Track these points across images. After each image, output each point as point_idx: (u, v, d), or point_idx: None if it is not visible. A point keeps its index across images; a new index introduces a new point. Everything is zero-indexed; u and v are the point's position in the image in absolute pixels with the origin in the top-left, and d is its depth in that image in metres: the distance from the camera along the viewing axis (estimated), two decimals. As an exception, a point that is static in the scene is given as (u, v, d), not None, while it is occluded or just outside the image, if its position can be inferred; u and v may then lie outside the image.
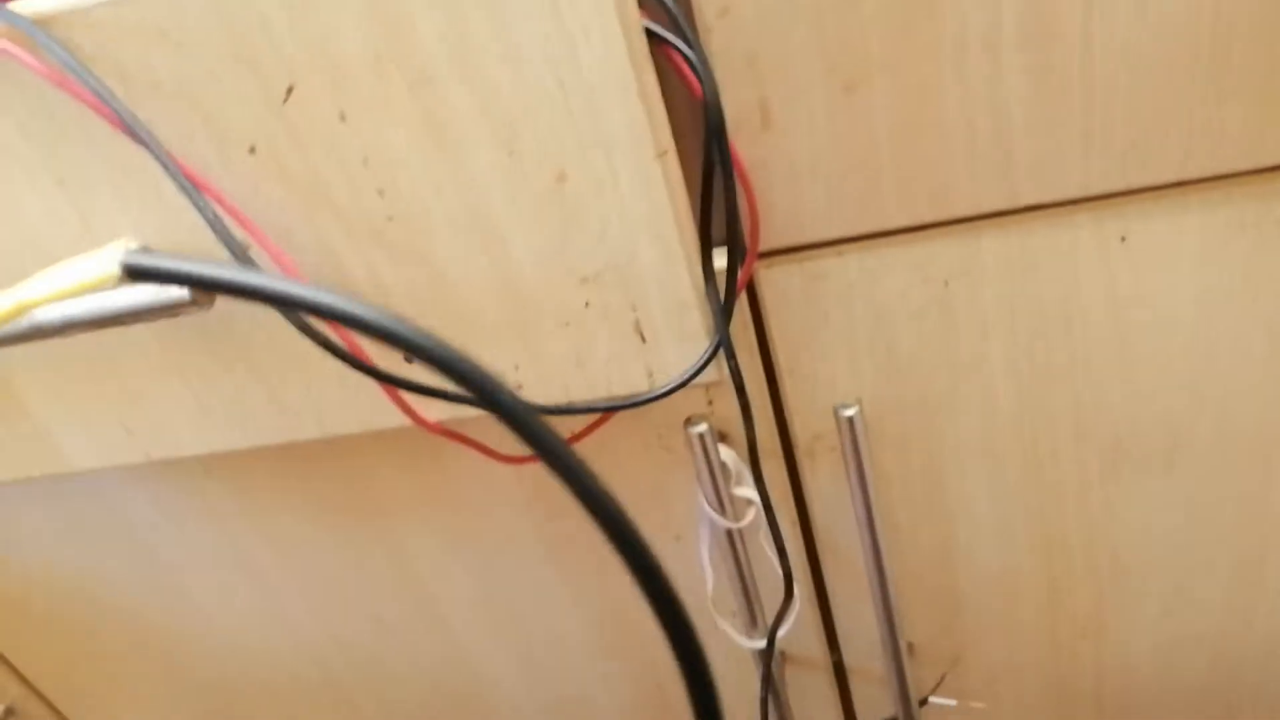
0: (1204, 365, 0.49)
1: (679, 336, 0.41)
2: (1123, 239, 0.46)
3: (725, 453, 0.53)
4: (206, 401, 0.44)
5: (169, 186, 0.38)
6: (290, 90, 0.36)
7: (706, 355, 0.41)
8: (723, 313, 0.40)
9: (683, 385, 0.41)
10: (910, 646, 0.64)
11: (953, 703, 0.66)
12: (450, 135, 0.36)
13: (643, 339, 0.41)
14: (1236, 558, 0.57)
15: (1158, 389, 0.50)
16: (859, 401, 0.51)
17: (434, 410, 0.43)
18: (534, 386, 0.43)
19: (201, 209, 0.36)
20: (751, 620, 0.59)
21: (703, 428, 0.51)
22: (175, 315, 0.37)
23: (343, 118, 0.36)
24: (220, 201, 0.37)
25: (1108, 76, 0.41)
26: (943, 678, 0.65)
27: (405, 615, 0.65)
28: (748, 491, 0.54)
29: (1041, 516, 0.56)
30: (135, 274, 0.24)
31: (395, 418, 0.44)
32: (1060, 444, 0.53)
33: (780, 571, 0.55)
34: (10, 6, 0.35)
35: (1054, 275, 0.47)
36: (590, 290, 0.40)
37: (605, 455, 0.55)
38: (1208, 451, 0.52)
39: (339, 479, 0.55)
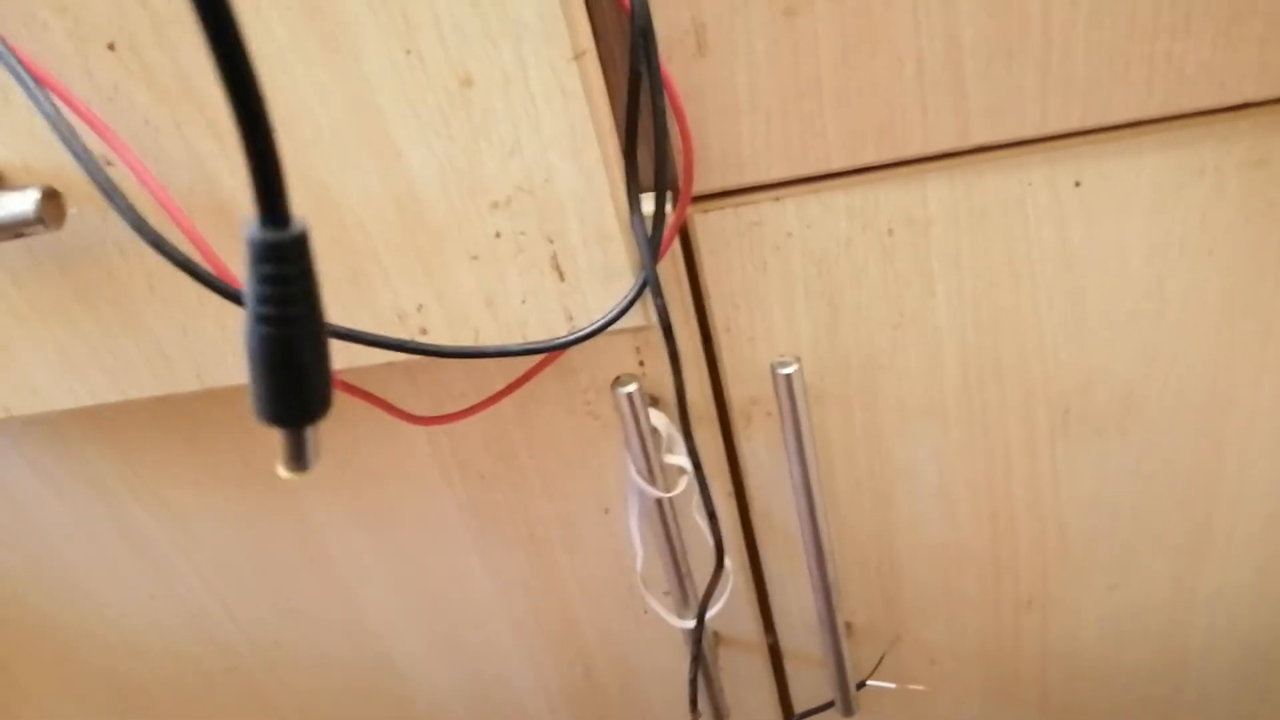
0: (1156, 322, 0.47)
1: (602, 275, 0.37)
2: (1076, 184, 0.44)
3: (656, 417, 0.50)
4: (70, 348, 0.39)
5: (17, 91, 0.33)
6: (154, -24, 0.31)
7: (632, 293, 0.37)
8: (650, 246, 0.36)
9: (605, 327, 0.37)
10: (848, 626, 0.61)
11: (892, 685, 0.63)
12: (337, 29, 0.32)
13: (561, 276, 0.37)
14: (1185, 527, 0.55)
15: (1109, 347, 0.48)
16: (798, 360, 0.48)
17: (334, 358, 0.39)
18: (440, 329, 0.39)
19: (50, 117, 0.31)
20: (683, 598, 0.56)
21: (632, 388, 0.47)
22: (21, 235, 0.32)
23: (215, 10, 0.31)
24: (74, 107, 0.32)
25: (1068, 9, 0.38)
26: (881, 659, 0.62)
27: (313, 597, 0.60)
28: (680, 459, 0.50)
29: (988, 483, 0.53)
30: None
31: (286, 366, 0.39)
32: (1008, 405, 0.50)
33: (712, 542, 0.51)
34: None
35: (1003, 224, 0.45)
36: (501, 218, 0.36)
37: (527, 422, 0.51)
38: (1157, 413, 0.50)
39: (231, 443, 0.51)
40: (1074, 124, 0.41)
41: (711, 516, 0.48)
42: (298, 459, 0.25)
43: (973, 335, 0.48)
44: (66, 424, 0.51)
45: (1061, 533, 0.55)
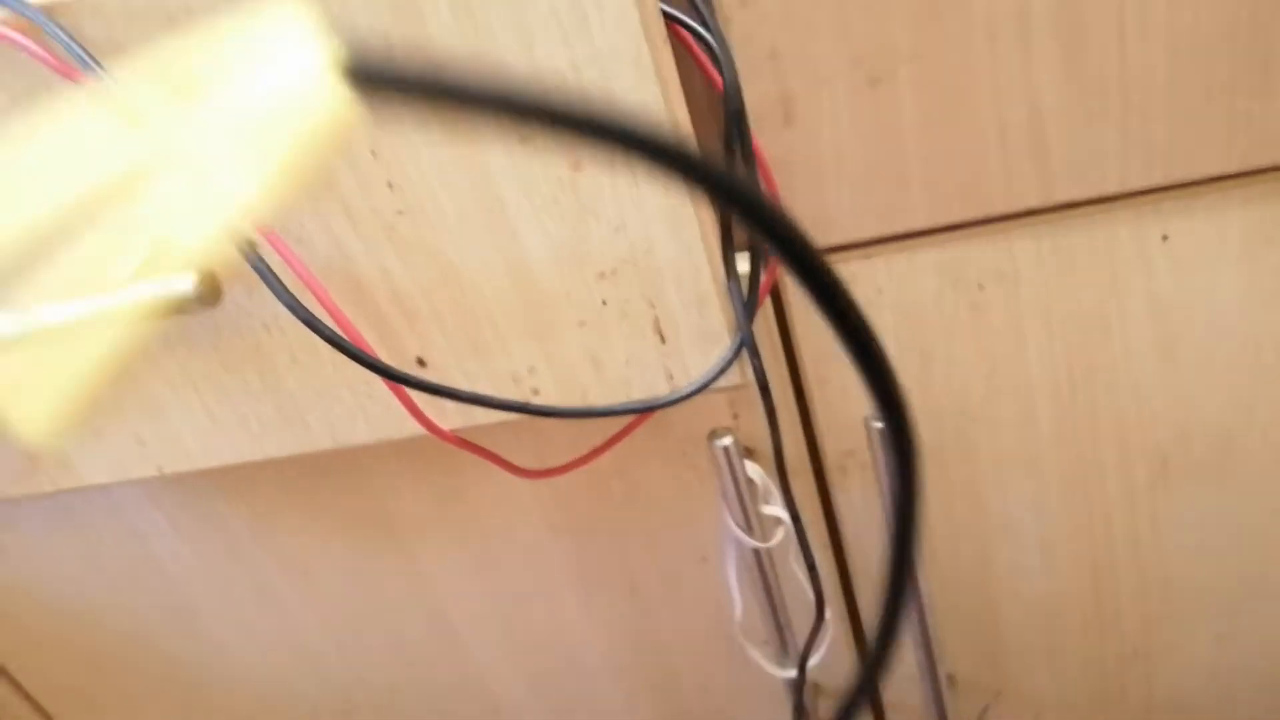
0: (1251, 370, 0.47)
1: (700, 336, 0.39)
2: (1164, 238, 0.44)
3: (752, 468, 0.51)
4: (216, 411, 0.43)
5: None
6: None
7: (730, 354, 0.39)
8: (745, 309, 0.39)
9: (705, 387, 0.39)
10: (950, 678, 0.61)
11: (996, 737, 0.62)
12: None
13: (662, 339, 0.40)
14: (1295, 579, 0.54)
15: (1204, 396, 0.48)
16: (890, 412, 0.49)
17: (449, 418, 0.42)
18: (550, 390, 0.41)
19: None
20: (783, 648, 0.57)
21: (727, 440, 0.49)
22: (182, 313, 0.36)
23: (353, 109, 0.35)
24: (230, 198, 0.36)
25: (1145, 65, 0.40)
26: (984, 711, 0.62)
27: (423, 641, 0.63)
28: (776, 510, 0.52)
29: (1087, 534, 0.53)
30: (363, 76, 0.16)
31: (409, 426, 0.42)
32: (1104, 456, 0.50)
33: (811, 594, 0.52)
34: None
35: (1092, 277, 0.46)
36: (607, 287, 0.38)
37: (627, 474, 0.53)
38: (1259, 462, 0.50)
39: (352, 496, 0.54)
40: (1157, 180, 0.42)
41: (811, 566, 0.49)
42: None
43: (1066, 387, 0.48)
44: (202, 483, 0.56)
45: (1165, 583, 0.55)
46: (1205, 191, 0.43)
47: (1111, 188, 0.43)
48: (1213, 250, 0.44)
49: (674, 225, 0.37)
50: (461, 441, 0.43)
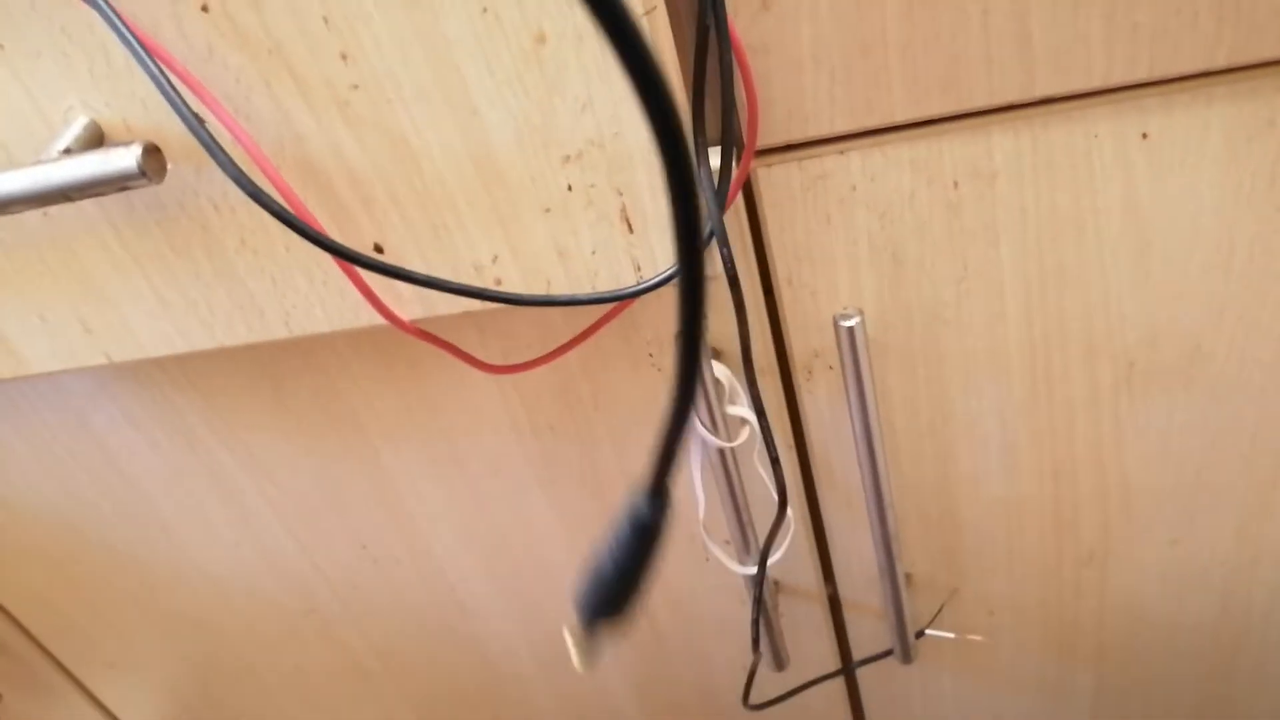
0: (1224, 275, 0.47)
1: (668, 226, 0.38)
2: (1144, 136, 0.43)
3: (719, 369, 0.51)
4: (165, 296, 0.42)
5: (118, 52, 0.35)
6: (246, -60, 0.33)
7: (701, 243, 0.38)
8: (716, 199, 0.37)
9: (673, 276, 0.38)
10: (908, 577, 0.62)
11: (951, 635, 0.64)
12: (421, -6, 0.33)
13: (630, 228, 0.38)
14: (1251, 484, 0.54)
15: (1176, 301, 0.48)
16: (860, 312, 0.49)
17: (408, 307, 0.41)
18: (514, 280, 0.40)
19: (155, 76, 0.33)
20: (745, 546, 0.57)
21: (695, 338, 0.48)
22: (124, 189, 0.34)
23: (303, -28, 0.33)
24: (172, 67, 0.34)
25: (1135, -50, 0.38)
26: (940, 609, 0.63)
27: (387, 542, 0.63)
28: (741, 410, 0.51)
29: (1050, 437, 0.53)
30: None
31: (366, 316, 0.41)
32: (1072, 358, 0.50)
33: (774, 492, 0.53)
34: None
35: (1069, 176, 0.45)
36: (573, 171, 0.37)
37: (593, 375, 0.52)
38: (1224, 368, 0.50)
39: (314, 391, 0.53)
40: (1140, 75, 0.41)
41: (775, 462, 0.49)
42: (592, 652, 0.28)
43: (1037, 289, 0.48)
44: (157, 374, 0.54)
45: (1124, 488, 0.55)
46: (1188, 87, 0.42)
47: (1095, 82, 0.42)
48: (1193, 149, 0.43)
49: (643, 106, 0.35)
50: (421, 332, 0.41)
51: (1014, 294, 0.48)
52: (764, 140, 0.44)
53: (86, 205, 0.38)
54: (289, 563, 0.66)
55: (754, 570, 0.57)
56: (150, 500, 0.63)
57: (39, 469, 0.60)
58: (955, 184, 0.45)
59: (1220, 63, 0.41)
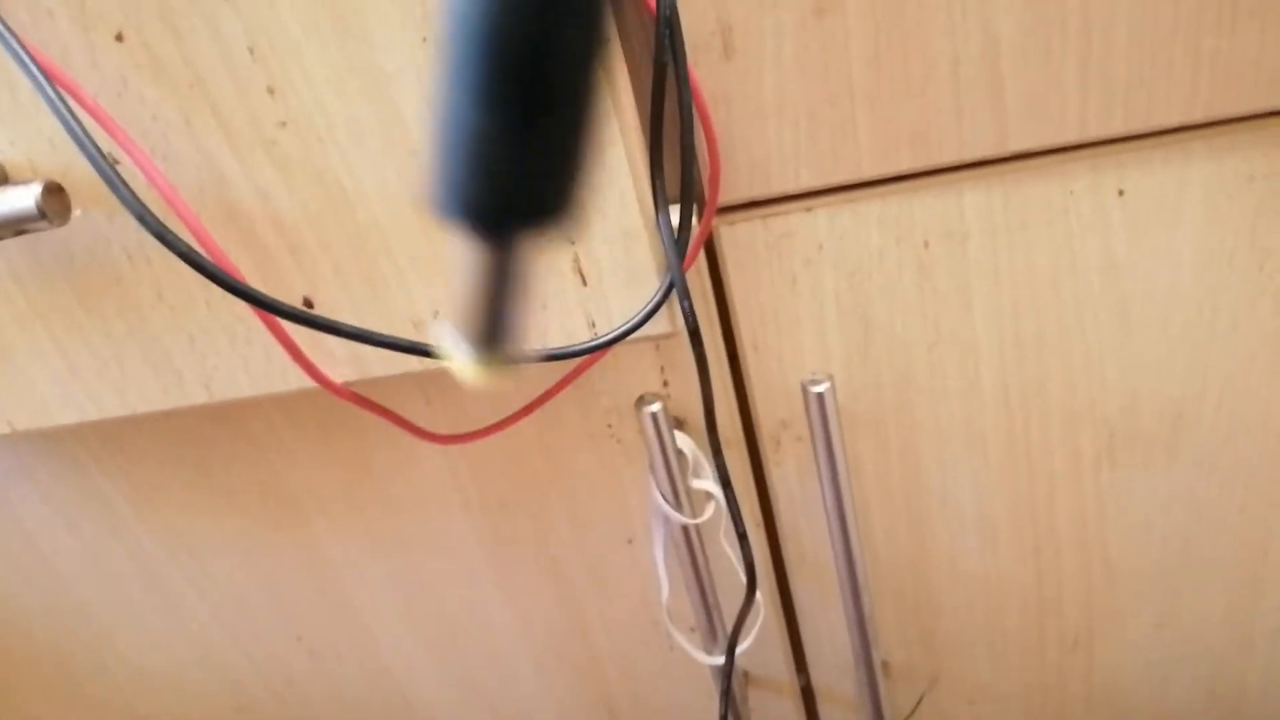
0: (1208, 339, 0.45)
1: (626, 277, 0.36)
2: (1120, 192, 0.42)
3: (682, 439, 0.48)
4: (75, 358, 0.38)
5: (24, 85, 0.32)
6: (166, -33, 0.30)
7: (658, 295, 0.35)
8: (676, 249, 0.35)
9: (631, 331, 0.35)
10: (885, 665, 0.58)
11: (931, 728, 0.60)
12: (353, 17, 0.31)
13: (583, 280, 0.36)
14: (1239, 560, 0.52)
15: (1157, 365, 0.46)
16: (830, 378, 0.46)
17: (341, 368, 0.37)
18: (457, 337, 0.37)
19: (58, 111, 0.30)
20: (711, 633, 0.53)
21: (656, 407, 0.45)
22: (23, 232, 0.31)
23: None
24: (82, 101, 0.31)
25: (1109, 2, 0.37)
26: (920, 700, 0.59)
27: (327, 631, 0.58)
28: (707, 484, 0.48)
29: (1030, 512, 0.50)
30: None
31: (297, 378, 0.38)
32: (1050, 428, 0.48)
33: (743, 573, 0.49)
34: None
35: (1045, 235, 0.43)
36: (521, 219, 0.34)
37: (548, 446, 0.49)
38: (1208, 436, 0.48)
39: (244, 465, 0.49)
40: (1116, 130, 0.40)
41: (743, 540, 0.46)
42: (496, 327, 0.16)
43: (1013, 354, 0.46)
44: (74, 445, 0.50)
45: (1107, 565, 0.53)
46: (1165, 142, 0.40)
47: (1069, 137, 0.40)
48: (1171, 208, 0.42)
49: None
50: (354, 395, 0.38)
51: (989, 359, 0.46)
52: (726, 196, 0.42)
53: (-14, 255, 0.35)
54: (219, 654, 0.60)
55: (721, 660, 0.53)
56: (70, 585, 0.58)
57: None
58: (926, 244, 0.43)
59: (1198, 116, 0.39)
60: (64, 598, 0.58)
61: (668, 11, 0.33)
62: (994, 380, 0.47)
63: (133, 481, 0.51)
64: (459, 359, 0.16)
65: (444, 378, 0.43)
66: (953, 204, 0.42)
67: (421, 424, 0.47)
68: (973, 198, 0.42)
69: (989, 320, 0.45)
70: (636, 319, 0.35)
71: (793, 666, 0.58)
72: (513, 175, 0.14)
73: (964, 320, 0.45)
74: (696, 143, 0.39)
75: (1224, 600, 0.53)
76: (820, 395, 0.45)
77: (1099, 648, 0.56)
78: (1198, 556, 0.52)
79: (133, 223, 0.32)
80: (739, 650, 0.53)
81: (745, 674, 0.58)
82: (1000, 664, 0.57)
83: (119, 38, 0.31)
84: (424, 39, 0.31)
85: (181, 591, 0.57)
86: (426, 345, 0.35)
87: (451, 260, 0.36)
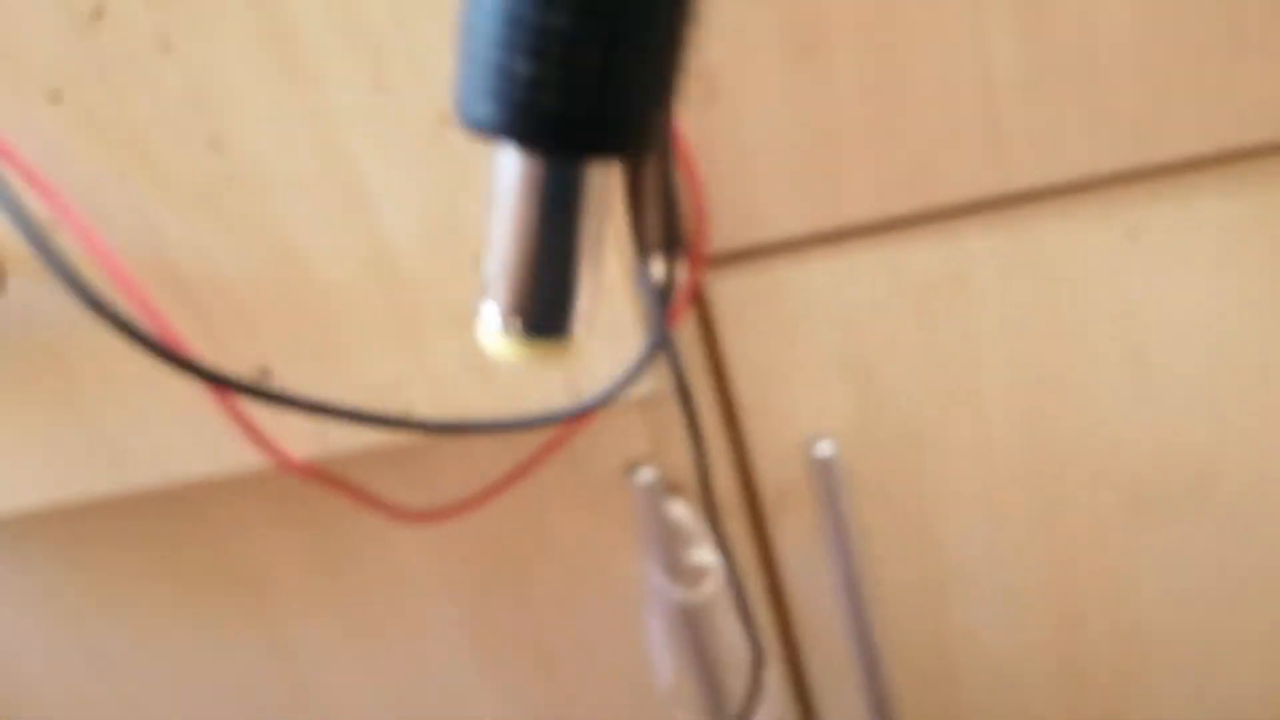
0: (1231, 386, 0.42)
1: (607, 335, 0.33)
2: (1132, 234, 0.39)
3: (677, 508, 0.45)
4: (15, 444, 0.35)
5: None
6: (99, 11, 0.28)
7: (641, 356, 0.32)
8: (659, 302, 0.32)
9: (613, 394, 0.33)
10: (904, 746, 0.54)
11: (957, 816, 0.55)
12: (301, 65, 0.28)
13: (561, 338, 0.33)
14: (1275, 626, 0.48)
15: (1179, 415, 0.43)
16: (834, 439, 0.43)
17: (301, 443, 0.34)
18: (423, 404, 0.34)
19: (-13, 173, 0.28)
20: (717, 716, 0.49)
21: (647, 474, 0.42)
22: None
23: (165, 46, 0.28)
24: (16, 165, 0.29)
25: (1110, 32, 0.35)
26: (944, 784, 0.55)
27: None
28: (705, 555, 0.45)
29: (1052, 578, 0.47)
30: None
31: (251, 457, 0.35)
32: (1070, 486, 0.45)
33: (749, 651, 0.46)
34: None
35: (1054, 280, 0.40)
36: (491, 274, 0.32)
37: (531, 521, 0.46)
38: (1239, 490, 0.45)
39: (200, 549, 0.46)
40: (1124, 164, 0.37)
41: (747, 619, 0.42)
42: (550, 288, 0.13)
43: (1025, 408, 0.43)
44: (22, 535, 0.47)
45: (1137, 634, 0.49)
46: (1176, 179, 0.38)
47: (1075, 173, 0.38)
48: (1185, 247, 0.39)
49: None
50: (316, 473, 0.35)
51: (1000, 414, 0.43)
52: (715, 246, 0.40)
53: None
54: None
55: (727, 747, 0.49)
56: (16, 672, 0.54)
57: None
58: (927, 291, 0.41)
59: (1207, 147, 0.37)
60: (15, 685, 0.55)
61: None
62: (1007, 437, 0.44)
63: (83, 567, 0.48)
64: (497, 333, 0.13)
65: (413, 451, 0.40)
66: (956, 248, 0.40)
67: (395, 498, 0.44)
68: (975, 240, 0.40)
69: (998, 372, 0.42)
70: (620, 380, 0.32)
71: (806, 750, 0.54)
72: (593, 81, 0.11)
73: (972, 372, 0.42)
74: (680, 191, 0.37)
75: (1261, 670, 0.50)
76: (825, 460, 0.42)
77: (1133, 713, 0.52)
78: (1230, 622, 0.48)
79: (64, 292, 0.30)
80: (747, 736, 0.49)
81: (755, 762, 0.54)
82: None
83: (54, 96, 0.29)
84: (377, 87, 0.28)
85: (139, 687, 0.54)
86: (387, 415, 0.32)
87: (411, 322, 0.33)
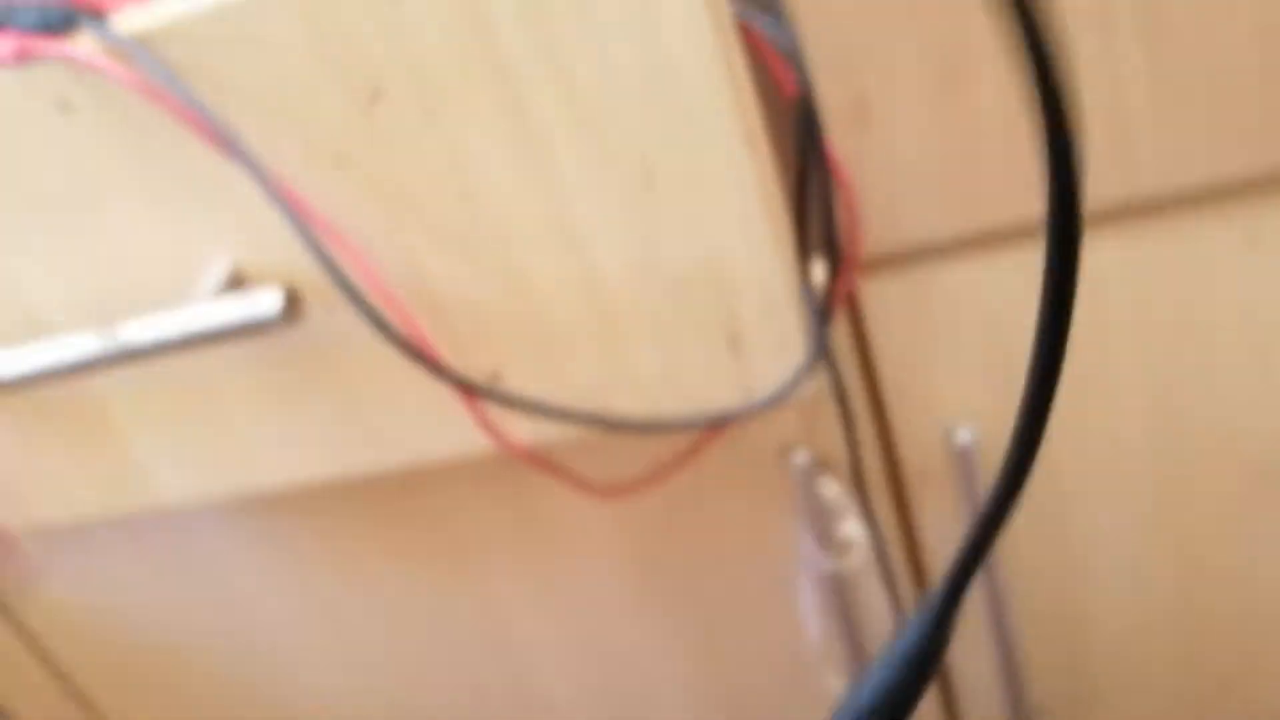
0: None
1: (775, 347, 0.39)
2: (1253, 236, 0.42)
3: (828, 485, 0.50)
4: (292, 429, 0.43)
5: (257, 202, 0.37)
6: (377, 94, 0.35)
7: (804, 364, 0.38)
8: (820, 316, 0.38)
9: (778, 399, 0.38)
10: (1036, 710, 0.58)
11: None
12: (535, 134, 0.35)
13: (736, 350, 0.39)
14: None
15: (1304, 405, 0.46)
16: (973, 425, 0.48)
17: (521, 434, 0.42)
18: (621, 404, 0.41)
19: (295, 223, 0.36)
20: (860, 674, 0.55)
21: (802, 456, 0.48)
22: (264, 333, 0.36)
23: (431, 120, 0.35)
24: (309, 215, 0.36)
25: (1230, 50, 0.38)
26: (1074, 744, 0.59)
27: (488, 667, 0.62)
28: (853, 529, 0.50)
29: (1179, 558, 0.50)
30: None
31: (481, 443, 0.42)
32: (1197, 470, 0.48)
33: (892, 616, 0.51)
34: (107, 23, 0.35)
35: (1180, 280, 0.44)
36: (679, 298, 0.38)
37: (699, 496, 0.52)
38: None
39: (422, 518, 0.54)
40: (1246, 172, 0.41)
41: (891, 587, 0.48)
42: None
43: (1154, 398, 0.46)
44: (273, 504, 0.56)
45: (1258, 612, 0.52)
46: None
47: (1199, 182, 0.41)
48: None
49: (747, 231, 0.36)
50: (534, 458, 0.42)
51: (1130, 404, 0.47)
52: (866, 251, 0.44)
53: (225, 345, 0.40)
54: (390, 690, 0.65)
55: (873, 700, 0.54)
56: (258, 626, 0.63)
57: (150, 586, 0.62)
58: (1062, 293, 0.45)
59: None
60: (253, 638, 0.64)
61: (808, 107, 0.36)
62: (1135, 427, 0.47)
63: (320, 527, 0.56)
64: None
65: (610, 438, 0.46)
66: (1090, 249, 0.44)
67: (589, 478, 0.50)
68: (1108, 244, 0.43)
69: (1128, 366, 0.46)
70: (784, 387, 0.38)
71: (943, 711, 0.59)
72: None
73: (1102, 367, 0.46)
74: (836, 205, 0.42)
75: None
76: (964, 444, 0.47)
77: (1253, 695, 0.55)
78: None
79: (348, 314, 0.37)
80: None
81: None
82: (1154, 709, 0.56)
83: (338, 163, 0.36)
84: (596, 151, 0.35)
85: (362, 634, 0.62)
86: (599, 416, 0.39)
87: (614, 336, 0.39)
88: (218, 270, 0.38)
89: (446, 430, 0.42)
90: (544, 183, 0.36)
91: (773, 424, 0.49)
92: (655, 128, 0.35)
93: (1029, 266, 0.44)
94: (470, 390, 0.37)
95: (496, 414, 0.41)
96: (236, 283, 0.39)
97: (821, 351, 0.40)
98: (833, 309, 0.41)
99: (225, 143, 0.36)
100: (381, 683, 0.64)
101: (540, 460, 0.42)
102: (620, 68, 0.34)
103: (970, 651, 0.55)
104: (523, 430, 0.42)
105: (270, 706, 0.67)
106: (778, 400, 0.39)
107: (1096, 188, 0.41)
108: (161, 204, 0.38)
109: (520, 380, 0.40)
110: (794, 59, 0.36)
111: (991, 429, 0.48)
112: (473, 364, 0.40)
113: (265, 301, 0.34)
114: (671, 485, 0.52)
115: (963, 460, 0.47)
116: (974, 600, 0.53)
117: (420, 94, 0.35)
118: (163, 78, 0.35)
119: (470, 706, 0.65)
